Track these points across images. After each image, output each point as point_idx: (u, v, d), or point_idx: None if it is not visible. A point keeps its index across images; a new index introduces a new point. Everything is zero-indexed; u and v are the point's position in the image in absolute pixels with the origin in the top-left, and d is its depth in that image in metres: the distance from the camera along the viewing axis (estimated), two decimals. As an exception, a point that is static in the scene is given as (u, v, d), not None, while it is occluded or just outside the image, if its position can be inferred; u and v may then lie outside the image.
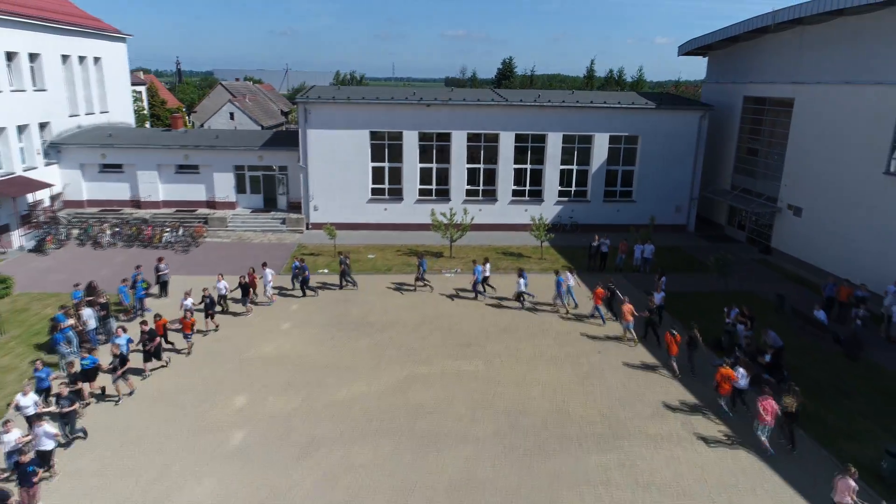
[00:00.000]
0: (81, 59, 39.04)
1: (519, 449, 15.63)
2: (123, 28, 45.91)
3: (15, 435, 13.41)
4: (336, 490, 13.88)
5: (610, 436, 16.32)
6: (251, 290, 23.90)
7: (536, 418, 17.04)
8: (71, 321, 19.41)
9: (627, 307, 21.66)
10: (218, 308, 22.87)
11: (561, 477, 14.55)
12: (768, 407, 15.17)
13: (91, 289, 22.00)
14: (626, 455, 15.48)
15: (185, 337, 20.07)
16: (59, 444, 14.44)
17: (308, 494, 13.72)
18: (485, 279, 25.97)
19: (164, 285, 24.77)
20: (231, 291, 23.90)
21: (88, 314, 19.85)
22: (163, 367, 19.12)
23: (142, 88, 68.27)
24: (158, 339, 18.94)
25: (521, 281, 24.75)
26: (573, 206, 37.60)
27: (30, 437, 13.54)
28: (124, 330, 18.46)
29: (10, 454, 13.38)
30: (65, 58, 37.07)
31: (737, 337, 20.87)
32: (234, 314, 23.69)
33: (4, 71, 31.33)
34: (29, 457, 12.69)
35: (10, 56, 31.84)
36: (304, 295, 25.63)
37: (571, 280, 24.99)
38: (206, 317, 21.86)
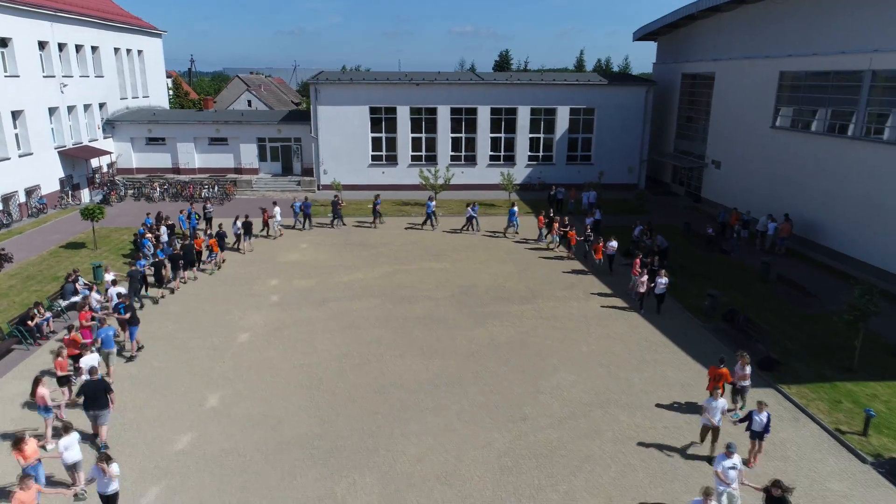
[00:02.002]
0: (128, 51, 46.66)
1: (465, 303, 22.93)
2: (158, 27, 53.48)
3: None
4: (342, 318, 21.26)
5: (530, 297, 23.61)
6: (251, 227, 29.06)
7: (481, 290, 24.33)
8: (148, 234, 26.92)
9: (572, 233, 28.85)
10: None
11: (490, 315, 21.82)
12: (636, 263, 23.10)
13: (159, 217, 29.49)
14: (538, 306, 22.75)
15: (210, 256, 26.21)
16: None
17: (326, 320, 21.10)
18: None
19: (209, 220, 32.18)
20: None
21: (164, 231, 27.39)
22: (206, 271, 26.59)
23: (168, 80, 75.93)
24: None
25: (431, 203, 33.53)
26: (541, 168, 44.71)
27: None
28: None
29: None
30: (116, 50, 44.66)
31: (642, 245, 28.01)
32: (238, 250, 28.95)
33: (75, 60, 38.94)
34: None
35: (77, 48, 39.43)
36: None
37: (470, 211, 32.91)
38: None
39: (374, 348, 19.00)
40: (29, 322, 18.99)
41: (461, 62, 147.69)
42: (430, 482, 12.82)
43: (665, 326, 20.92)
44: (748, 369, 15.26)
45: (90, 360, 15.04)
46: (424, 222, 33.91)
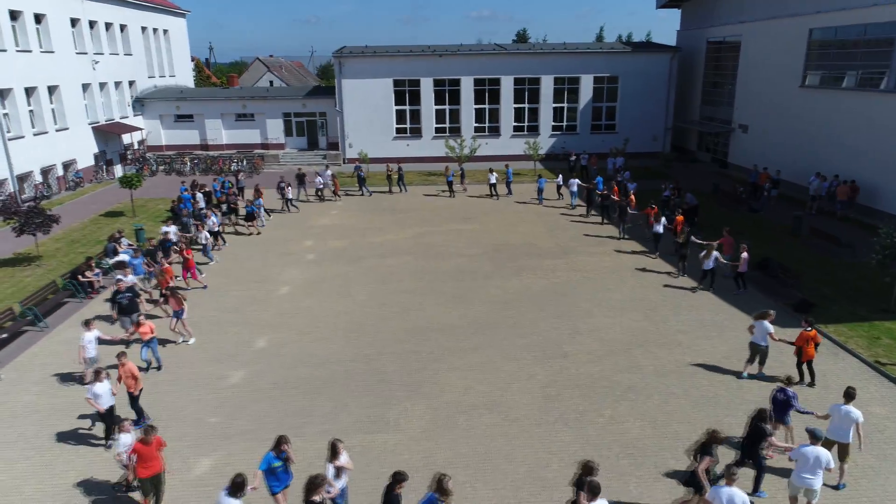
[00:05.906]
0: (155, 30, 47.32)
1: (497, 259, 23.26)
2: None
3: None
4: (376, 273, 21.73)
5: (561, 253, 23.86)
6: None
7: (513, 248, 24.63)
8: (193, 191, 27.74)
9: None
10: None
11: (523, 268, 22.12)
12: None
13: (194, 185, 30.18)
14: (570, 260, 22.99)
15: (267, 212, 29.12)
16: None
17: (361, 274, 21.59)
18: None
19: (241, 190, 32.88)
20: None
21: (199, 197, 28.16)
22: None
23: (191, 64, 76.81)
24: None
25: (492, 176, 33.55)
26: (565, 138, 44.62)
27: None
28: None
29: None
30: (143, 29, 45.33)
31: (672, 203, 28.03)
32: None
33: (105, 38, 39.66)
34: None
35: (107, 26, 40.12)
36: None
37: (492, 178, 33.44)
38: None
39: (410, 297, 19.44)
40: (80, 277, 19.72)
41: (479, 41, 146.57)
42: (478, 409, 13.24)
43: (697, 276, 21.01)
44: (768, 327, 13.95)
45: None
46: (449, 191, 34.17)
